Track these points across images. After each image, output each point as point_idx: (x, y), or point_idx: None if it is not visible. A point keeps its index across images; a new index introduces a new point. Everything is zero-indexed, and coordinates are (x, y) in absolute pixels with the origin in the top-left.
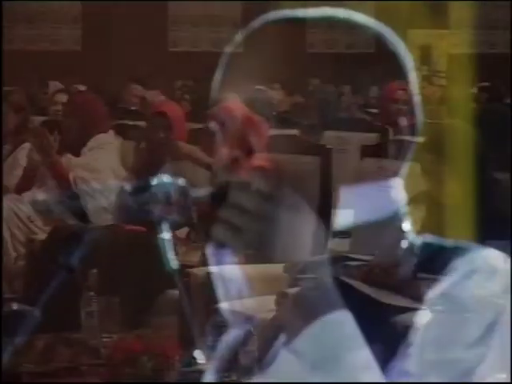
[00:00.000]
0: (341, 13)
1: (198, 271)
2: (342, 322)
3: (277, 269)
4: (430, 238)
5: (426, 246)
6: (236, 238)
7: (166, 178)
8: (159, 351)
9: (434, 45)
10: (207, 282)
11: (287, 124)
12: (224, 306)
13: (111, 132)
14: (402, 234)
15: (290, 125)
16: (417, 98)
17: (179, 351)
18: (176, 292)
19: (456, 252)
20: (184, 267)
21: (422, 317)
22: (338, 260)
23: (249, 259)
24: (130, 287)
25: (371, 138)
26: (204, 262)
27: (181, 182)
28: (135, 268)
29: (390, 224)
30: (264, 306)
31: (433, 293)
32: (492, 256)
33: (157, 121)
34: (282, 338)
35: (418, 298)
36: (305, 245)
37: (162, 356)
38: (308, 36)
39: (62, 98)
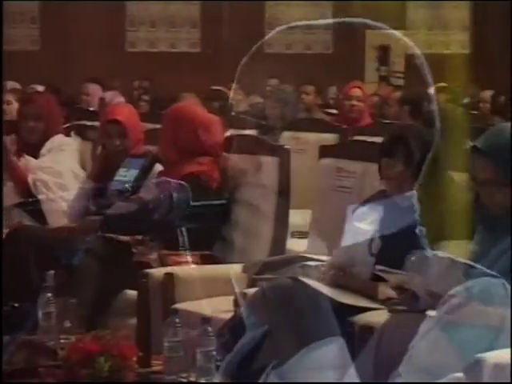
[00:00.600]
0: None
1: (156, 272)
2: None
3: (235, 269)
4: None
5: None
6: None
7: (122, 181)
8: (116, 352)
9: (392, 45)
10: (165, 283)
11: (245, 124)
12: (182, 306)
13: (71, 133)
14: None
15: (248, 125)
16: (375, 99)
17: (136, 352)
18: (133, 293)
19: (457, 273)
20: (142, 268)
21: (380, 317)
22: (296, 260)
23: (207, 260)
24: (87, 288)
25: (330, 138)
26: (161, 263)
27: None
28: (92, 269)
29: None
30: (222, 307)
31: (428, 321)
32: (491, 283)
33: (110, 128)
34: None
35: (376, 298)
36: (263, 244)
37: (119, 357)
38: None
39: (12, 97)
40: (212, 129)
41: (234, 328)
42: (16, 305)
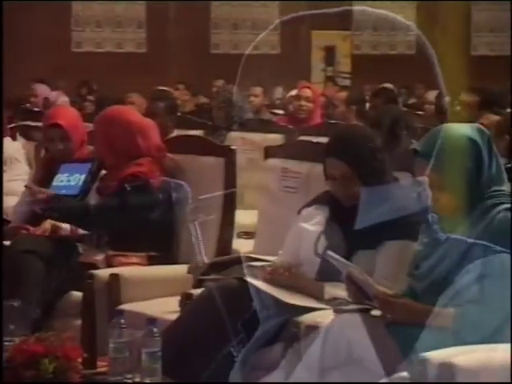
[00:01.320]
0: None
1: (102, 273)
2: None
3: (181, 270)
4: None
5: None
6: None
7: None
8: (61, 353)
9: (338, 46)
10: (111, 284)
11: (191, 125)
12: (127, 307)
13: (17, 134)
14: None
15: (194, 125)
16: (322, 99)
17: (81, 353)
18: (79, 294)
19: (471, 252)
20: (87, 268)
21: (326, 317)
22: (242, 260)
23: (153, 260)
24: (32, 289)
25: (276, 138)
26: (107, 264)
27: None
28: (37, 270)
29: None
30: (168, 308)
31: (445, 295)
32: (505, 261)
33: (52, 133)
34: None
35: (321, 298)
36: (209, 245)
37: (63, 358)
38: (212, 37)
39: None
40: (148, 131)
41: (248, 324)
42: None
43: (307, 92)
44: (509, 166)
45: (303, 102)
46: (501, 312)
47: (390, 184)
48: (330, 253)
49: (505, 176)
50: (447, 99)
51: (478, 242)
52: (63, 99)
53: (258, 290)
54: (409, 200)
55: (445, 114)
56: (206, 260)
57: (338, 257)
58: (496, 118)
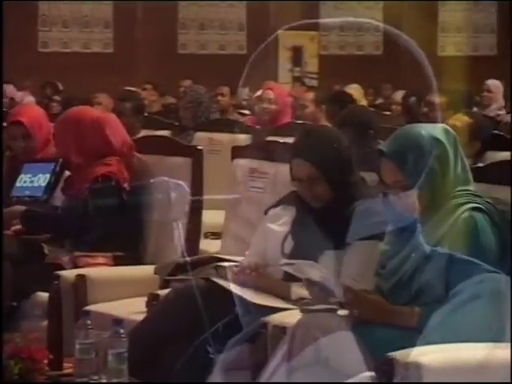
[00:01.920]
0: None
1: (68, 274)
2: None
3: (147, 270)
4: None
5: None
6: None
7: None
8: (27, 355)
9: (305, 46)
10: (77, 285)
11: (158, 125)
12: (94, 308)
13: None
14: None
15: (161, 126)
16: (288, 100)
17: (47, 355)
18: (45, 295)
19: (436, 251)
20: (53, 269)
21: (293, 317)
22: (209, 261)
23: (119, 261)
24: None
25: (243, 139)
26: (73, 265)
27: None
28: (3, 271)
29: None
30: (134, 308)
31: (434, 317)
32: (498, 280)
33: (14, 130)
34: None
35: (288, 298)
36: (176, 246)
37: (29, 360)
38: (180, 37)
39: None
40: (118, 128)
41: (229, 326)
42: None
43: (269, 94)
44: (475, 166)
45: (265, 104)
46: (469, 311)
47: (357, 184)
48: (285, 261)
49: (470, 176)
50: (414, 99)
51: (443, 241)
52: (29, 99)
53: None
54: (376, 200)
55: (412, 114)
56: (188, 259)
57: (295, 261)
58: (466, 118)
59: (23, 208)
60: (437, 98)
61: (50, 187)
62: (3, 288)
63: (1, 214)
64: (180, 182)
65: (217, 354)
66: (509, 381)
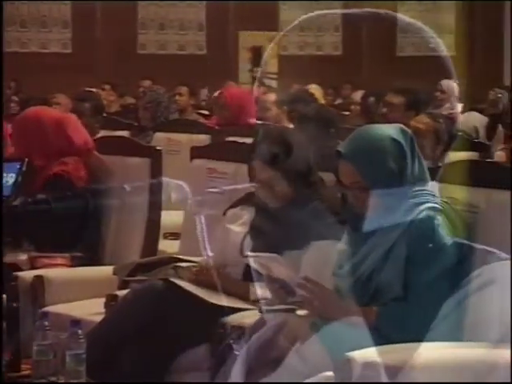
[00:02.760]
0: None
1: (25, 274)
2: None
3: (106, 271)
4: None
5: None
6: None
7: None
8: None
9: (265, 46)
10: (35, 286)
11: (117, 125)
12: (52, 309)
13: None
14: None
15: (120, 126)
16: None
17: (4, 355)
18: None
19: (394, 250)
20: (11, 270)
21: (252, 317)
22: (168, 261)
23: (78, 261)
24: None
25: (202, 139)
26: (31, 265)
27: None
28: None
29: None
30: (92, 309)
31: (368, 293)
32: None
33: None
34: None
35: (247, 299)
36: (135, 246)
37: None
38: (139, 37)
39: None
40: (79, 128)
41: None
42: None
43: (224, 96)
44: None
45: (221, 106)
46: (429, 310)
47: (316, 185)
48: (250, 254)
49: (428, 176)
50: (372, 99)
51: (400, 241)
52: None
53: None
54: (334, 200)
55: (370, 114)
56: (210, 254)
57: (259, 254)
58: (428, 120)
59: None
60: (396, 99)
61: (17, 186)
62: None
63: (0, 214)
64: (180, 182)
65: (177, 355)
66: (509, 381)
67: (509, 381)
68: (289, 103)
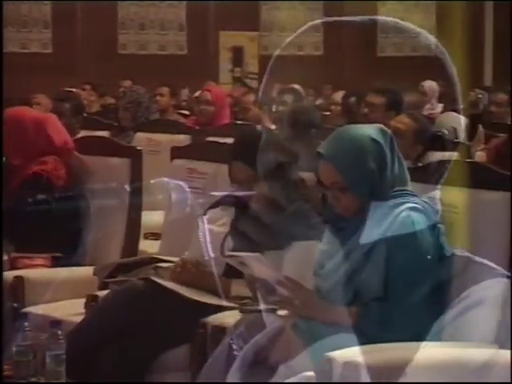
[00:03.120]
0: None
1: (5, 275)
2: None
3: (86, 271)
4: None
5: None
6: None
7: None
8: None
9: (246, 46)
10: (15, 286)
11: (98, 125)
12: (32, 310)
13: None
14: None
15: (100, 126)
16: (228, 100)
17: None
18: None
19: (374, 251)
20: None
21: (233, 317)
22: (148, 262)
23: (58, 262)
24: None
25: (183, 139)
26: (11, 266)
27: None
28: None
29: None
30: (73, 310)
31: (349, 293)
32: (503, 285)
33: None
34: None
35: (229, 296)
36: (115, 246)
37: None
38: (120, 37)
39: None
40: (59, 128)
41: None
42: None
43: (207, 95)
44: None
45: (203, 106)
46: (409, 310)
47: (296, 185)
48: (230, 253)
49: (408, 176)
50: (353, 100)
51: (381, 241)
52: None
53: None
54: (315, 200)
55: (351, 114)
56: (212, 254)
57: (240, 253)
58: (408, 121)
59: None
60: (376, 99)
61: None
62: None
63: (0, 214)
64: (180, 182)
65: (157, 355)
66: (509, 381)
67: (509, 381)
68: (270, 103)
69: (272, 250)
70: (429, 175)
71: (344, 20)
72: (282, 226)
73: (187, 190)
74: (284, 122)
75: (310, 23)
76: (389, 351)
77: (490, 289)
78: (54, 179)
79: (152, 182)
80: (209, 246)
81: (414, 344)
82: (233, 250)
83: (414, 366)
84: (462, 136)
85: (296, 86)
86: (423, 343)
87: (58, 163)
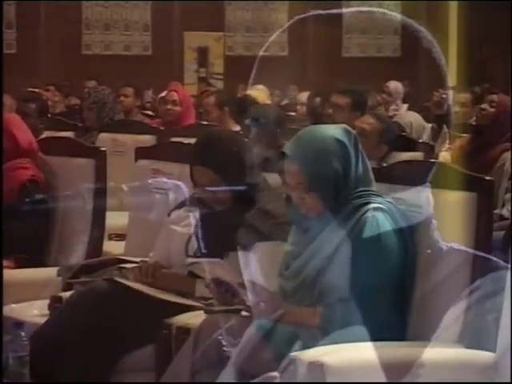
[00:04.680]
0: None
1: None
2: None
3: (50, 272)
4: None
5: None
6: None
7: None
8: None
9: (210, 47)
10: None
11: (62, 126)
12: None
13: None
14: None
15: (64, 127)
16: (192, 101)
17: None
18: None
19: (339, 251)
20: None
21: (197, 318)
22: (113, 262)
23: (21, 263)
24: None
25: (147, 140)
26: None
27: None
28: None
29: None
30: (36, 311)
31: (314, 294)
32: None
33: None
34: None
35: (193, 296)
36: (79, 247)
37: None
38: (84, 38)
39: None
40: (23, 128)
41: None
42: None
43: (173, 95)
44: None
45: (169, 106)
46: (374, 311)
47: (259, 186)
48: (191, 260)
49: (372, 176)
50: (318, 100)
51: (345, 242)
52: None
53: None
54: (279, 201)
55: (316, 114)
56: (92, 261)
57: (202, 259)
58: (373, 121)
59: None
60: (341, 99)
61: None
62: None
63: (0, 214)
64: (178, 182)
65: (121, 356)
66: (509, 381)
67: (509, 381)
68: (230, 104)
69: (236, 251)
70: (393, 175)
71: (332, 13)
72: (246, 227)
73: (185, 189)
74: (248, 123)
75: (297, 17)
76: (353, 351)
77: (501, 280)
78: (40, 182)
79: (150, 181)
80: (173, 246)
81: (378, 344)
82: (197, 252)
83: (377, 366)
84: (421, 132)
85: (260, 87)
86: (389, 343)
87: (34, 165)
